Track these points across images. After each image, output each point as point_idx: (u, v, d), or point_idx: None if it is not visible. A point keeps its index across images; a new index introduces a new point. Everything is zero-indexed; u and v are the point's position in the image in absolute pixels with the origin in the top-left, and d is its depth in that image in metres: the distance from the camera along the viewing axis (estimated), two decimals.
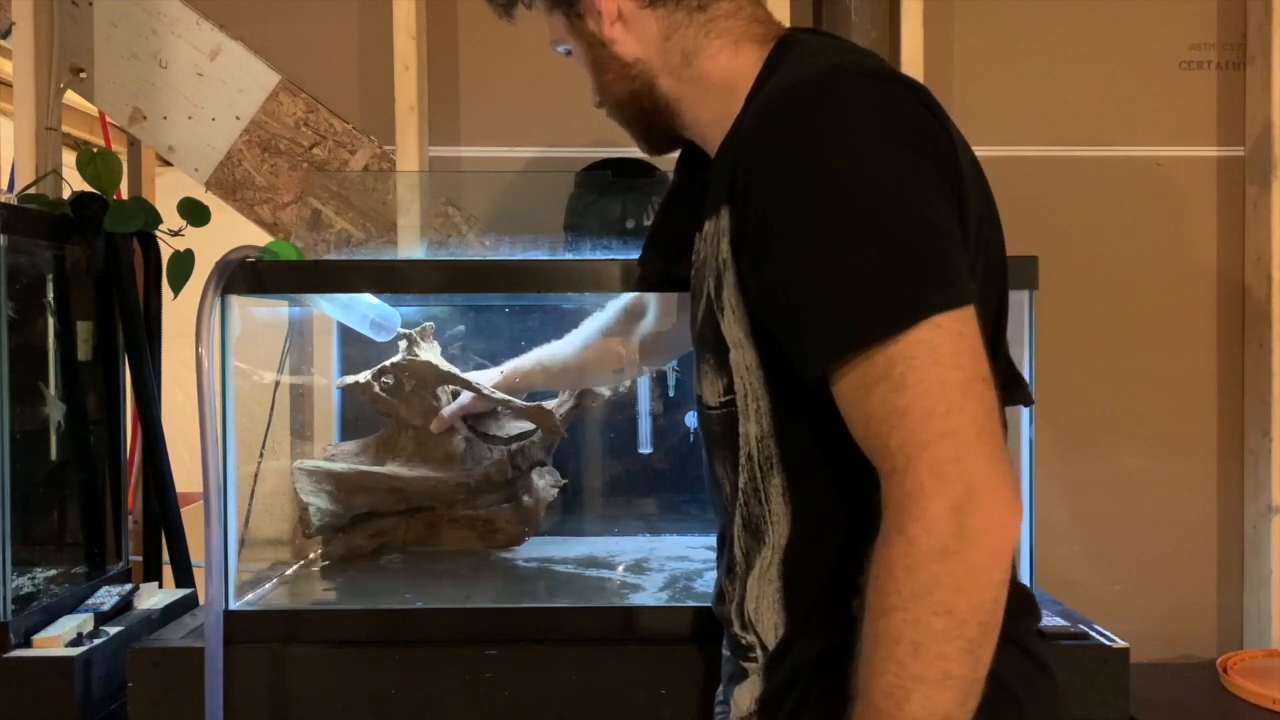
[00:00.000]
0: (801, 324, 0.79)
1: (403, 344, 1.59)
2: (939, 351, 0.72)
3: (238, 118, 1.85)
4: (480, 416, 1.62)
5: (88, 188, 1.57)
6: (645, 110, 1.00)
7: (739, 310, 0.88)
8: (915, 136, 0.79)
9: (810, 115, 0.79)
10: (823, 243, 0.76)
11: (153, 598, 1.57)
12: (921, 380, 0.72)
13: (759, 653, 0.92)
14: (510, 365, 1.55)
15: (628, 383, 1.67)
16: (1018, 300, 1.20)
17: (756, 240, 0.81)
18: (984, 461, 0.71)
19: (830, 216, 0.76)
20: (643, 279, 1.27)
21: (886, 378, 0.73)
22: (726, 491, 0.96)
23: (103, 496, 1.63)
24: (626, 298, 1.44)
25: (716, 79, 0.94)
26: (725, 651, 1.02)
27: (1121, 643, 1.27)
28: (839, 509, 0.86)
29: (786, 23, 1.78)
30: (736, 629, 0.95)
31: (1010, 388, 0.93)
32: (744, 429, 0.91)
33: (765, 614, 0.91)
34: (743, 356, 0.89)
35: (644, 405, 1.68)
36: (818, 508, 0.88)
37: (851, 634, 0.77)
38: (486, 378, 1.55)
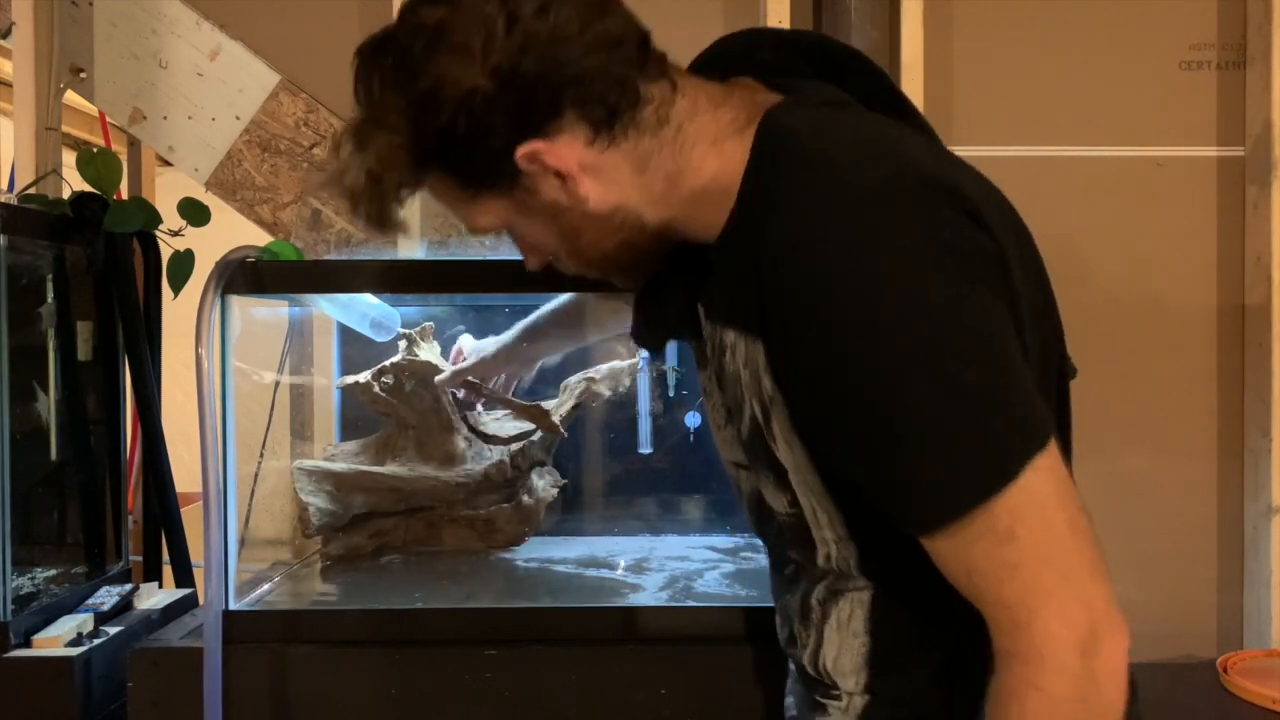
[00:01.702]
0: (886, 492, 0.75)
1: (403, 344, 1.59)
2: (1040, 496, 0.70)
3: (238, 118, 1.85)
4: (474, 390, 1.59)
5: (88, 188, 1.57)
6: (641, 252, 0.90)
7: (795, 443, 0.84)
8: (967, 262, 0.73)
9: (855, 259, 0.72)
10: (899, 406, 0.71)
11: (153, 598, 1.57)
12: (1031, 531, 0.70)
13: (843, 697, 0.89)
14: (514, 333, 1.51)
15: (628, 382, 1.67)
16: None
17: (815, 394, 0.76)
18: (1102, 599, 0.70)
19: (901, 376, 0.71)
20: (642, 347, 1.15)
21: (990, 532, 0.70)
22: (796, 560, 0.93)
23: (103, 496, 1.63)
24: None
25: (710, 189, 0.84)
26: (792, 668, 0.99)
27: None
28: (922, 566, 0.80)
29: (786, 24, 1.79)
30: (810, 672, 0.92)
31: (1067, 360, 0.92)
32: (817, 534, 0.88)
33: (845, 662, 0.88)
34: (805, 478, 0.85)
35: (644, 405, 1.68)
36: (900, 572, 0.84)
37: (942, 674, 0.78)
38: (488, 346, 1.54)
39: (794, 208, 0.75)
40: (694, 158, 0.84)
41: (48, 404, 1.53)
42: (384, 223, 0.86)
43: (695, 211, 0.86)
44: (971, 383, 0.70)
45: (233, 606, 1.31)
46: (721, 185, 0.84)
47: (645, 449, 1.70)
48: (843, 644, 0.88)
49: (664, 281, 0.95)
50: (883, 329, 0.71)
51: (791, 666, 1.00)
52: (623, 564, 1.58)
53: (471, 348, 1.57)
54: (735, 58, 0.93)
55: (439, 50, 0.80)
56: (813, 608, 0.91)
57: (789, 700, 1.01)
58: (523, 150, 0.81)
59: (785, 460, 0.86)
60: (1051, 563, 0.70)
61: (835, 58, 0.93)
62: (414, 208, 1.86)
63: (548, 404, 1.61)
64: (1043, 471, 0.70)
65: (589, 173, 0.83)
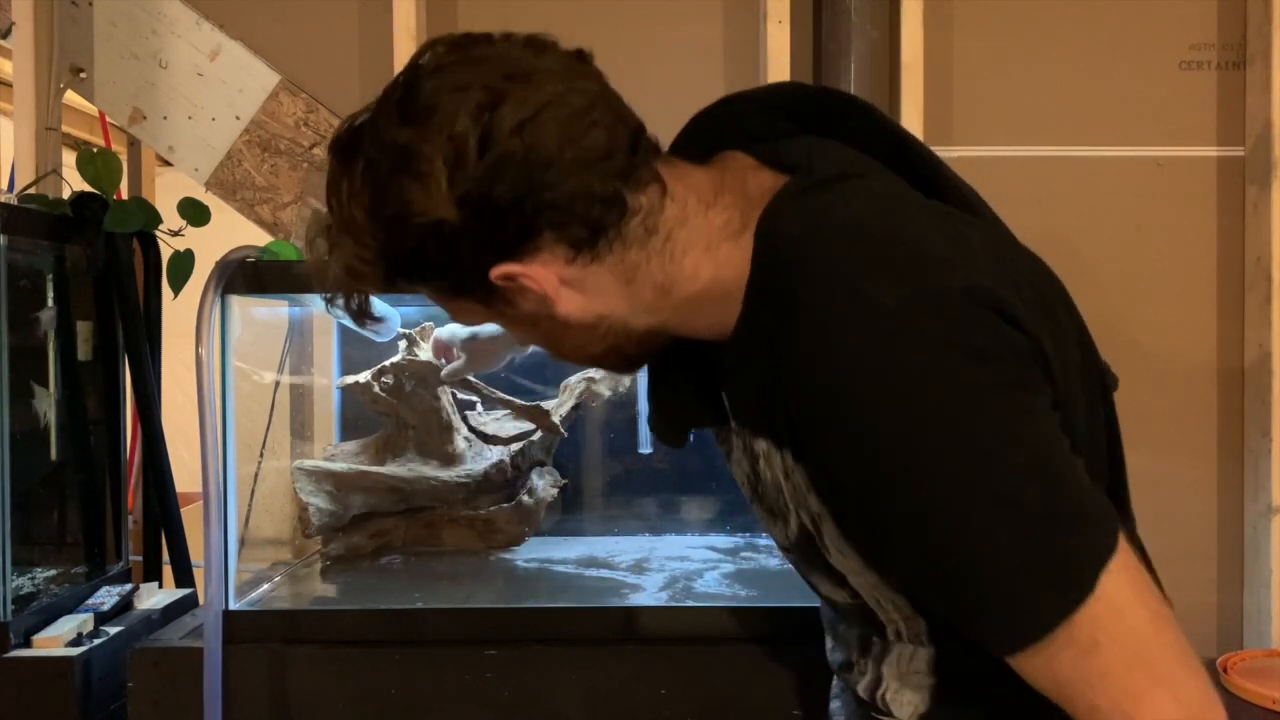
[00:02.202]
0: (958, 615, 0.72)
1: (403, 344, 1.59)
2: (1118, 601, 0.68)
3: (238, 118, 1.85)
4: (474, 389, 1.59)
5: (88, 188, 1.57)
6: (629, 355, 0.87)
7: (849, 551, 0.80)
8: (1002, 369, 0.69)
9: (884, 386, 0.68)
10: (958, 535, 0.68)
11: (153, 598, 1.57)
12: (1114, 638, 0.67)
13: None
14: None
15: (628, 382, 1.67)
16: None
17: (867, 522, 0.73)
18: (1197, 690, 0.68)
19: (955, 504, 0.68)
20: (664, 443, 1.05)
21: (1073, 644, 0.68)
22: (859, 623, 0.90)
23: (103, 496, 1.63)
24: None
25: (706, 295, 0.80)
26: (839, 676, 0.97)
27: None
28: None
29: (786, 25, 1.79)
30: (864, 698, 0.90)
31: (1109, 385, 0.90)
32: (883, 615, 0.85)
33: (904, 698, 0.86)
34: (864, 579, 0.83)
35: (644, 405, 1.68)
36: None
37: (1004, 711, 0.76)
38: (460, 333, 1.52)
39: (812, 332, 0.70)
40: (686, 266, 0.80)
41: (47, 400, 1.53)
42: (362, 320, 0.85)
43: (691, 315, 0.82)
44: (1031, 500, 0.68)
45: (233, 606, 1.31)
46: (720, 289, 0.79)
47: (645, 449, 1.70)
48: (903, 683, 0.86)
49: (673, 371, 0.91)
50: (927, 458, 0.68)
51: (842, 683, 0.97)
52: (623, 564, 1.58)
53: (447, 336, 1.55)
54: (719, 130, 0.88)
55: (404, 175, 0.75)
56: (873, 644, 0.88)
57: (835, 705, 1.00)
58: (496, 272, 0.77)
59: (841, 567, 0.83)
60: (1141, 664, 0.68)
61: (825, 109, 0.88)
62: None
63: (548, 404, 1.61)
64: (1116, 574, 0.68)
65: (571, 286, 0.79)
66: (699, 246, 0.80)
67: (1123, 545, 0.69)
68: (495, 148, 0.73)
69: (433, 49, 0.78)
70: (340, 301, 0.83)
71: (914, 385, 0.68)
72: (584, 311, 0.80)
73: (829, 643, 0.99)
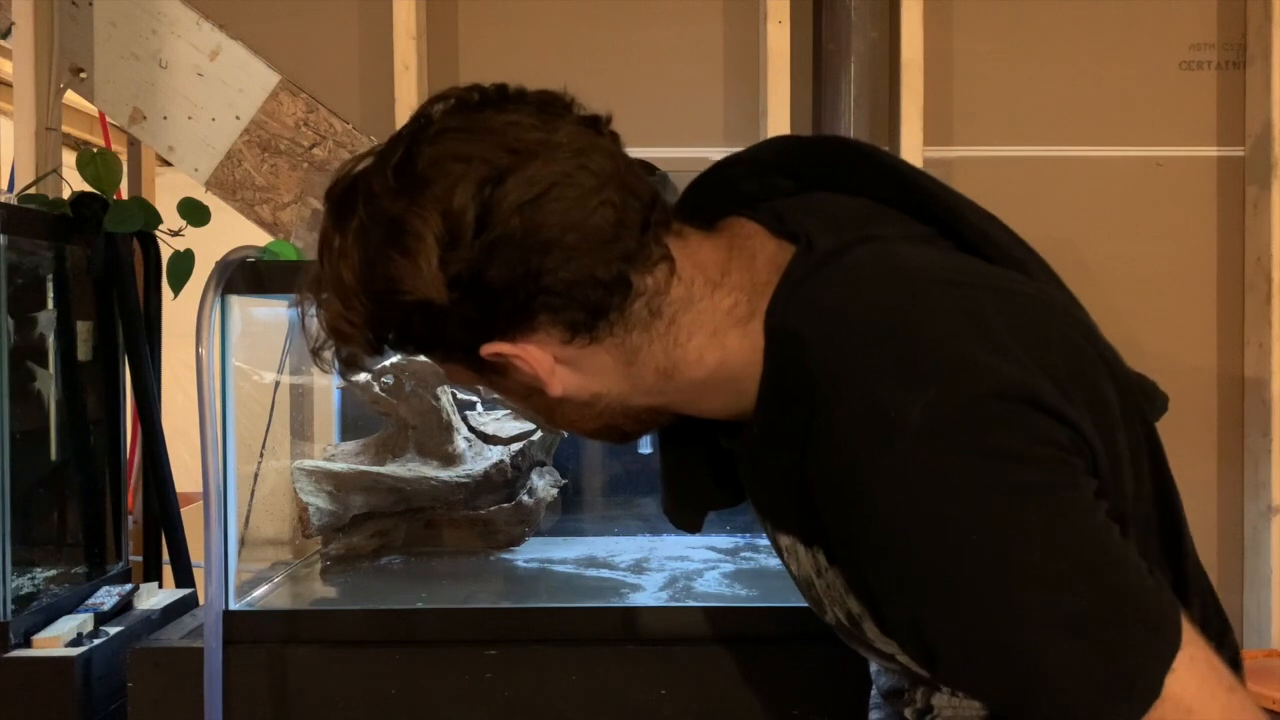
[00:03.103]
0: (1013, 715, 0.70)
1: None
2: (1187, 699, 0.64)
3: (238, 118, 1.85)
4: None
5: (88, 188, 1.57)
6: (626, 431, 0.84)
7: (891, 640, 0.77)
8: (1039, 470, 0.65)
9: (916, 505, 0.65)
10: (1012, 655, 0.65)
11: (153, 598, 1.57)
12: None
13: None
14: None
15: None
16: None
17: (914, 640, 0.70)
18: None
19: (1005, 623, 0.65)
20: (679, 527, 1.00)
21: None
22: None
23: (103, 496, 1.63)
24: None
25: (712, 380, 0.77)
26: (886, 699, 0.95)
27: None
28: None
29: (786, 25, 1.79)
30: None
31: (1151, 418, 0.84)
32: (934, 679, 0.82)
33: None
34: (911, 653, 0.78)
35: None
36: None
37: None
38: None
39: (835, 446, 0.68)
40: (690, 351, 0.76)
41: (47, 377, 1.52)
42: (347, 373, 0.82)
43: (696, 399, 0.79)
44: (1081, 610, 0.64)
45: (233, 606, 1.31)
46: (726, 376, 0.76)
47: (645, 449, 1.70)
48: (956, 713, 0.83)
49: (685, 453, 0.88)
50: (968, 577, 0.65)
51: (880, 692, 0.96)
52: (623, 564, 1.58)
53: None
54: (717, 196, 0.83)
55: (394, 249, 0.70)
56: (925, 677, 0.85)
57: (875, 716, 0.98)
58: (487, 350, 0.74)
59: (886, 649, 0.80)
60: None
61: (823, 159, 0.84)
62: None
63: None
64: (1183, 673, 0.64)
65: (566, 365, 0.75)
66: (705, 331, 0.76)
67: (1188, 636, 0.65)
68: (493, 229, 0.69)
69: (440, 104, 0.74)
70: (328, 357, 0.80)
71: (947, 503, 0.65)
72: (580, 390, 0.77)
73: (873, 666, 0.96)
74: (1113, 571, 0.66)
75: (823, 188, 0.82)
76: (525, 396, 0.81)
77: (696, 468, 0.88)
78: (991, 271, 0.77)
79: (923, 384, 0.66)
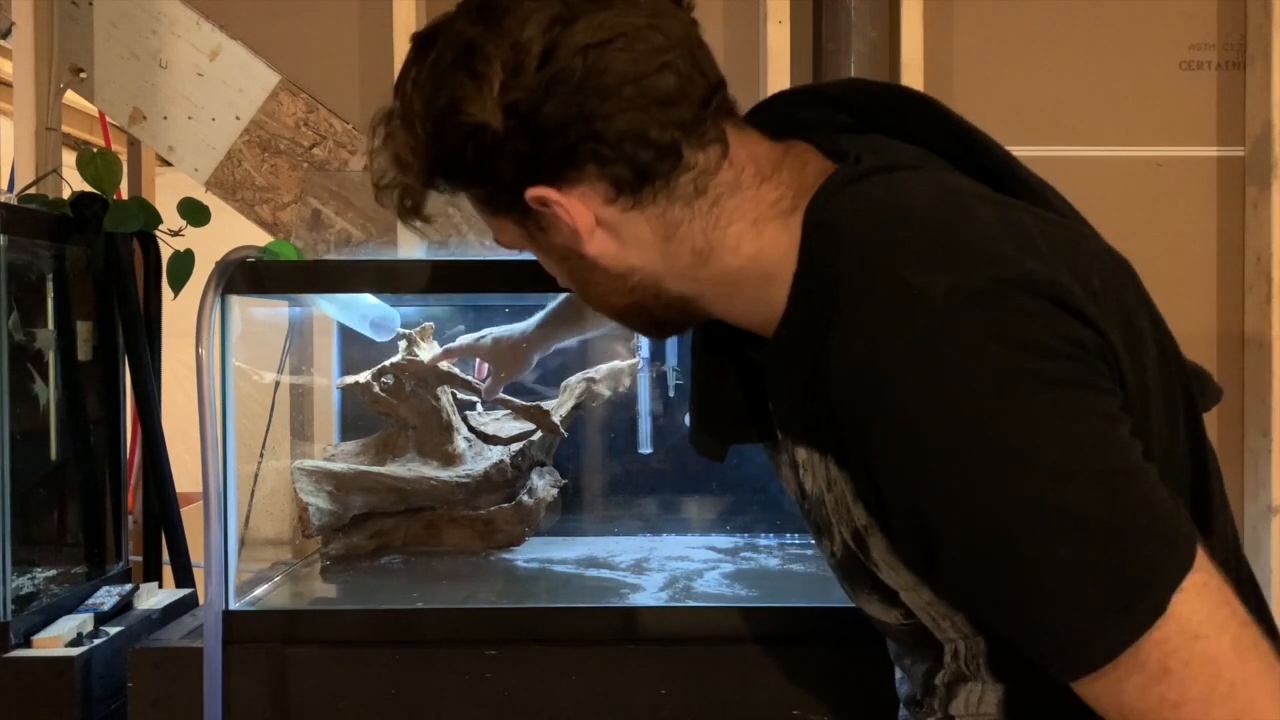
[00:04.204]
0: (1015, 635, 0.67)
1: (402, 344, 1.59)
2: (1193, 624, 0.62)
3: (238, 118, 1.85)
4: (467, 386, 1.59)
5: (88, 188, 1.57)
6: (655, 317, 0.84)
7: (899, 566, 0.77)
8: (1061, 365, 0.64)
9: (933, 387, 0.64)
10: (1013, 551, 0.63)
11: (153, 598, 1.57)
12: (1187, 664, 0.61)
13: None
14: (522, 327, 1.49)
15: (628, 382, 1.67)
16: None
17: (917, 536, 0.69)
18: None
19: (1011, 517, 0.63)
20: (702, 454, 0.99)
21: (1140, 670, 0.62)
22: (919, 653, 0.87)
23: (102, 496, 1.63)
24: None
25: (745, 272, 0.77)
26: (907, 709, 0.94)
27: None
28: None
29: (786, 25, 1.79)
30: None
31: (1195, 392, 0.83)
32: (940, 635, 0.81)
33: None
34: (917, 596, 0.79)
35: (644, 405, 1.68)
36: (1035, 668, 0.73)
37: None
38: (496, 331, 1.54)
39: (856, 328, 0.67)
40: (729, 237, 0.77)
41: (44, 389, 1.52)
42: (404, 215, 0.83)
43: (726, 293, 0.80)
44: (1093, 510, 0.62)
45: (233, 606, 1.31)
46: (759, 270, 0.77)
47: (645, 449, 1.70)
48: None
49: (719, 381, 0.88)
50: (978, 464, 0.63)
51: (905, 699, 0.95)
52: (623, 564, 1.58)
53: (467, 345, 1.56)
54: (777, 120, 0.84)
55: (462, 70, 0.74)
56: (938, 688, 0.84)
57: None
58: (532, 193, 0.76)
59: (891, 582, 0.79)
60: (1219, 696, 0.61)
61: (889, 106, 0.84)
62: None
63: (548, 404, 1.61)
64: (1192, 594, 0.62)
65: (605, 228, 0.77)
66: (746, 219, 0.77)
67: (1202, 563, 0.63)
68: (555, 64, 0.72)
69: None
70: (385, 197, 0.82)
71: (962, 385, 0.63)
72: (615, 259, 0.79)
73: (898, 674, 0.95)
74: (1128, 479, 0.64)
75: (881, 131, 0.83)
76: (563, 259, 0.82)
77: (729, 397, 0.88)
78: (1041, 212, 0.77)
79: (950, 266, 0.66)
